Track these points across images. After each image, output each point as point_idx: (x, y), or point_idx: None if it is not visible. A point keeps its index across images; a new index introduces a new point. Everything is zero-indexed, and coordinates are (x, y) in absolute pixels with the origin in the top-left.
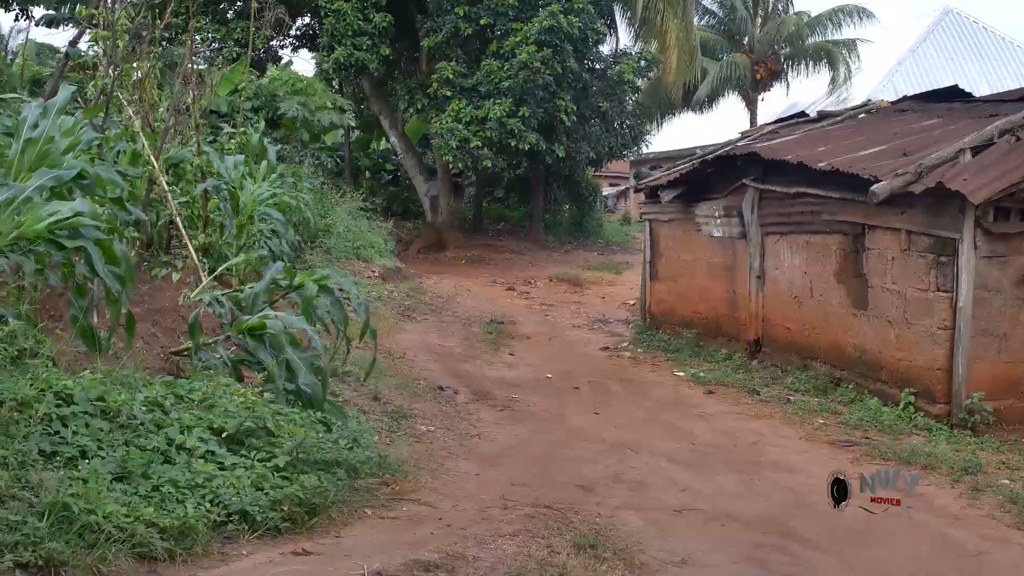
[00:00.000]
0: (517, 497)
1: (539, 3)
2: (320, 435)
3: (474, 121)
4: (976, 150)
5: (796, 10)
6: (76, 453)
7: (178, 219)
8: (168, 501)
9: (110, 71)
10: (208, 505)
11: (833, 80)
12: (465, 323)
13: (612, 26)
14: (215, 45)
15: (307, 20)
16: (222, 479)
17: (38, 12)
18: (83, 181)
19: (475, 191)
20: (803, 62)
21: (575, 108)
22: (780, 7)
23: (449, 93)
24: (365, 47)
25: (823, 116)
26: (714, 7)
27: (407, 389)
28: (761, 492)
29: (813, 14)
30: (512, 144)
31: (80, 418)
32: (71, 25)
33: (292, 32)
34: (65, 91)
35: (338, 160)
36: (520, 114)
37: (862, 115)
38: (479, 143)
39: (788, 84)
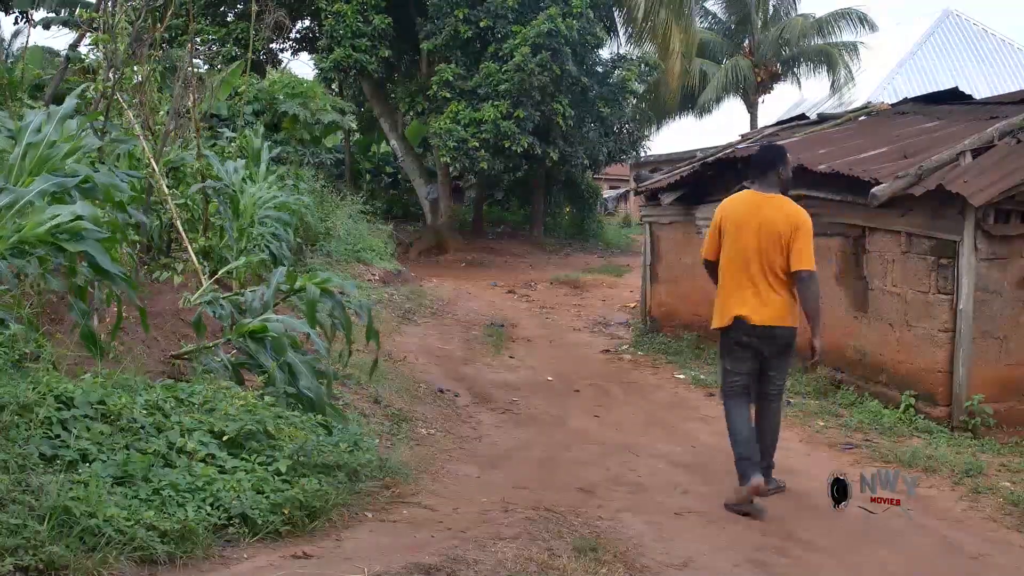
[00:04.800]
0: (517, 500)
1: (539, 6)
2: (321, 438)
3: (472, 123)
4: (976, 152)
5: (798, 12)
6: (77, 456)
7: (178, 222)
8: (169, 504)
9: (110, 74)
10: (208, 508)
11: (834, 82)
12: (465, 326)
13: (612, 29)
14: (215, 48)
15: (307, 23)
16: (222, 482)
17: (38, 16)
18: (85, 185)
19: (475, 194)
20: (804, 64)
21: (572, 112)
22: (782, 10)
23: (448, 95)
24: (364, 48)
25: (823, 118)
26: (715, 8)
27: (407, 392)
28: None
29: (815, 17)
30: (507, 146)
31: (81, 421)
32: (71, 28)
33: (292, 35)
34: (71, 99)
35: (339, 162)
36: (515, 116)
37: (862, 117)
38: (476, 144)
39: (799, 85)
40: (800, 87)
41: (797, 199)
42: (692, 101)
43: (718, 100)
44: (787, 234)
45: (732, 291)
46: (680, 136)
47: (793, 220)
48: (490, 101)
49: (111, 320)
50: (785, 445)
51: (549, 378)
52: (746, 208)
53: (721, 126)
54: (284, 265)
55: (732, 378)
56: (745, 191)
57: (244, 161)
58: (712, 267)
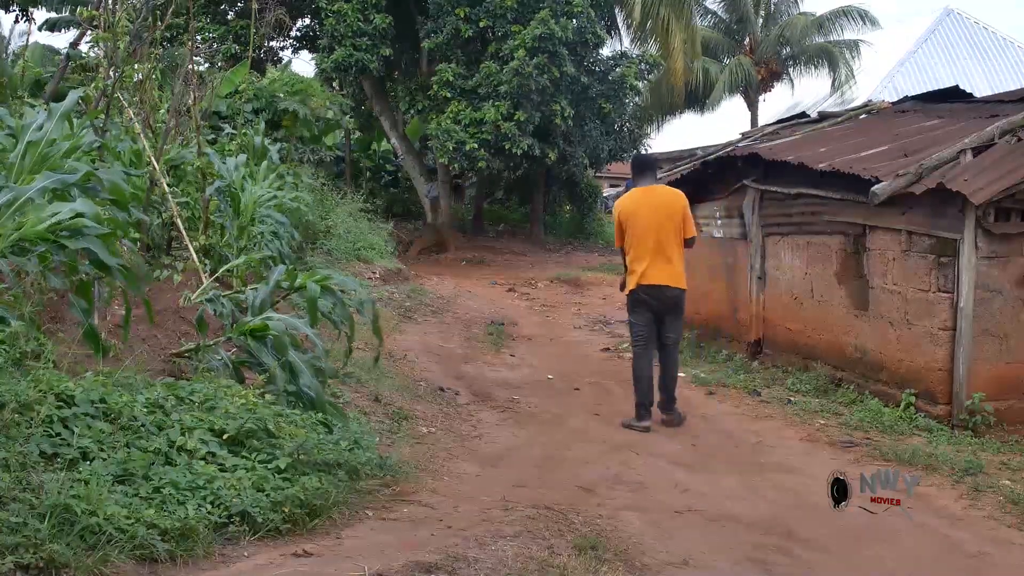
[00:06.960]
0: (518, 498)
1: (538, 6)
2: (321, 437)
3: (472, 123)
4: (977, 151)
5: (799, 11)
6: (77, 455)
7: (178, 220)
8: (169, 503)
9: (110, 72)
10: (209, 507)
11: (835, 81)
12: (466, 324)
13: (614, 27)
14: (215, 46)
15: (307, 21)
16: (223, 481)
17: (39, 15)
18: (86, 183)
19: (475, 192)
20: (805, 63)
21: (572, 112)
22: (783, 8)
23: (449, 95)
24: (364, 47)
25: (824, 117)
26: (716, 7)
27: (408, 390)
28: (762, 493)
29: (815, 14)
30: (506, 148)
31: (81, 420)
32: (72, 27)
33: (292, 33)
34: (72, 95)
35: (339, 161)
36: (516, 118)
37: (863, 116)
38: (476, 145)
39: (791, 84)
40: (801, 85)
41: (797, 197)
42: (694, 99)
43: (720, 99)
44: (680, 211)
45: (639, 264)
46: (681, 134)
47: (681, 200)
48: (491, 101)
49: (112, 318)
50: (785, 443)
51: (549, 376)
52: (641, 202)
53: (721, 124)
54: (285, 263)
55: (639, 330)
56: (634, 190)
57: (244, 159)
58: (622, 252)
